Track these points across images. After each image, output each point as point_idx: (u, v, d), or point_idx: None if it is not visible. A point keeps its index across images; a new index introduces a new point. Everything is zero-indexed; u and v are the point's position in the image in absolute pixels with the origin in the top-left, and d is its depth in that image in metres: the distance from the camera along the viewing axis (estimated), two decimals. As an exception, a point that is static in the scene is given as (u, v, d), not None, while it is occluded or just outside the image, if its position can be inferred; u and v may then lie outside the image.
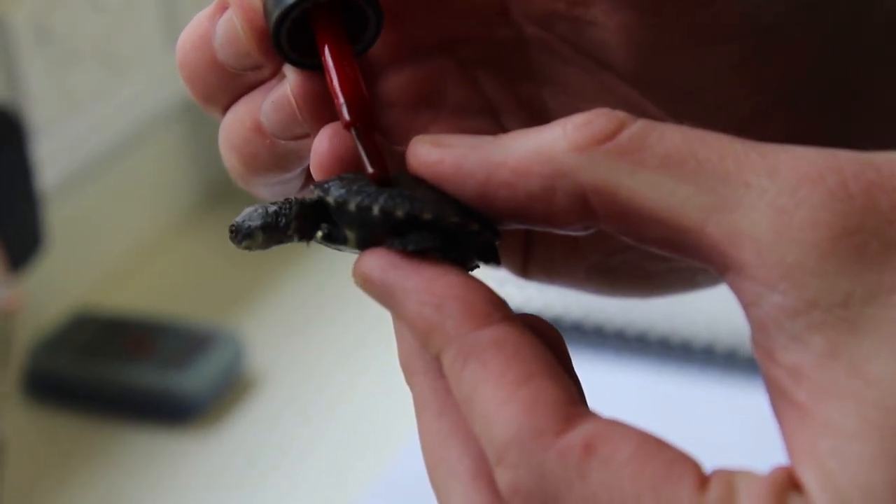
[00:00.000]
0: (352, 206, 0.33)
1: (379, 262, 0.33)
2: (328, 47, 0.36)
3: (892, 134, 0.41)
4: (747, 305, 0.30)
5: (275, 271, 1.13)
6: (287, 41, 0.36)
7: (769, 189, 0.29)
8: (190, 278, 1.17)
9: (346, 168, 0.36)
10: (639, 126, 0.31)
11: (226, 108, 0.39)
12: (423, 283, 0.32)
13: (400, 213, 0.33)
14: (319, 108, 0.37)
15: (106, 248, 1.17)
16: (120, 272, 1.17)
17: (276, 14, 0.35)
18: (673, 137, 0.30)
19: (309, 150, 0.37)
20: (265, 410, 1.00)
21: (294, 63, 0.36)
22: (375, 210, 0.33)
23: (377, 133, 0.36)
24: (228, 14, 0.37)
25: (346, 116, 0.35)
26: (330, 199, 0.34)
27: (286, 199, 0.35)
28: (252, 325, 1.07)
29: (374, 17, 0.36)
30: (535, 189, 0.31)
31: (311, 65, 0.36)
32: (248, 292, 1.13)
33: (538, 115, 0.41)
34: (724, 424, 0.87)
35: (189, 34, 0.38)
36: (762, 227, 0.29)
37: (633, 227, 0.31)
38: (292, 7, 0.35)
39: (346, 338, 1.06)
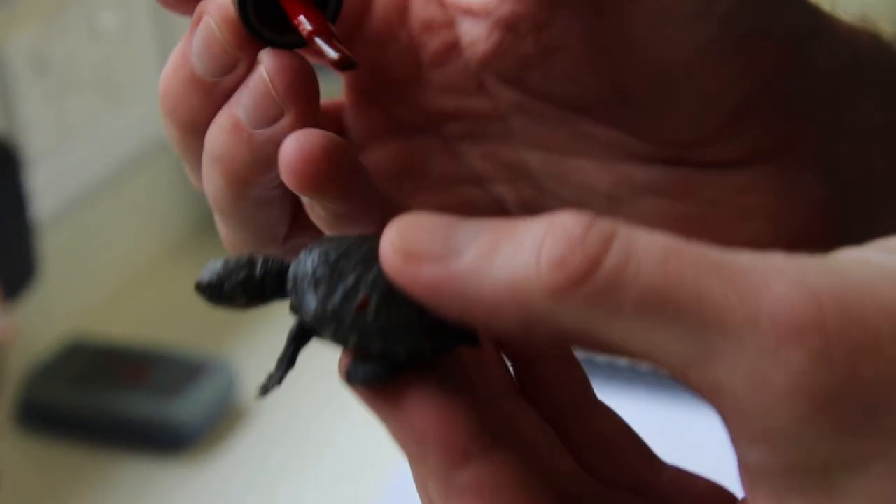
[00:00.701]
0: (326, 335, 0.33)
1: (362, 387, 0.33)
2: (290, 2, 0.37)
3: (876, 137, 0.42)
4: (731, 442, 0.30)
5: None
6: (258, 21, 0.38)
7: (749, 346, 0.28)
8: (183, 307, 1.17)
9: (315, 166, 0.37)
10: (613, 261, 0.29)
11: (204, 132, 0.39)
12: (403, 417, 0.32)
13: (375, 350, 0.33)
14: (294, 83, 0.37)
15: (99, 276, 1.17)
16: (113, 301, 1.17)
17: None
18: (649, 273, 0.29)
19: (285, 137, 0.37)
20: (258, 439, 1.00)
21: (266, 40, 0.38)
22: (350, 343, 0.33)
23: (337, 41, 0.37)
24: (204, 20, 0.38)
25: (307, 27, 0.36)
26: (305, 319, 0.34)
27: (250, 259, 0.36)
28: (245, 353, 1.08)
29: None
30: (512, 325, 0.31)
31: (283, 43, 0.38)
32: (241, 321, 1.13)
33: (522, 178, 0.42)
34: (717, 453, 0.87)
35: (169, 63, 0.39)
36: (742, 387, 0.28)
37: (615, 354, 0.31)
38: None
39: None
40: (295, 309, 0.34)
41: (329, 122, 0.42)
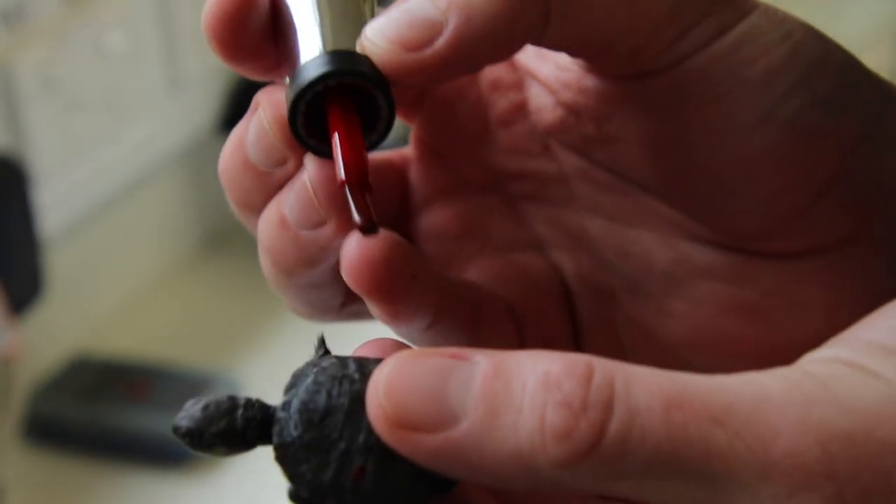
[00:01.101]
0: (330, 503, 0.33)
1: None
2: (335, 122, 0.36)
3: None
4: None
5: (273, 315, 1.13)
6: (305, 128, 0.37)
7: (762, 493, 0.29)
8: (188, 323, 1.18)
9: (375, 268, 0.36)
10: (616, 427, 0.29)
11: (259, 213, 0.39)
12: None
13: None
14: (335, 195, 0.37)
15: (105, 293, 1.17)
16: (119, 317, 1.17)
17: (290, 99, 0.36)
18: (654, 434, 0.29)
19: (329, 242, 0.37)
20: (262, 454, 1.00)
21: (311, 149, 0.37)
22: None
23: (370, 194, 0.36)
24: (258, 112, 0.38)
25: (341, 175, 0.36)
26: (302, 495, 0.33)
27: (231, 404, 0.34)
28: (250, 369, 1.08)
29: (385, 105, 0.36)
30: (519, 487, 0.30)
31: (328, 152, 0.37)
32: (247, 337, 1.14)
33: (582, 247, 0.42)
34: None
35: (228, 141, 0.39)
36: None
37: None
38: (305, 90, 0.36)
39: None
40: (289, 480, 0.33)
41: (394, 175, 0.42)
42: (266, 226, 0.38)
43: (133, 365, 1.07)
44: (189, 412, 0.35)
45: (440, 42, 0.35)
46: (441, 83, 0.39)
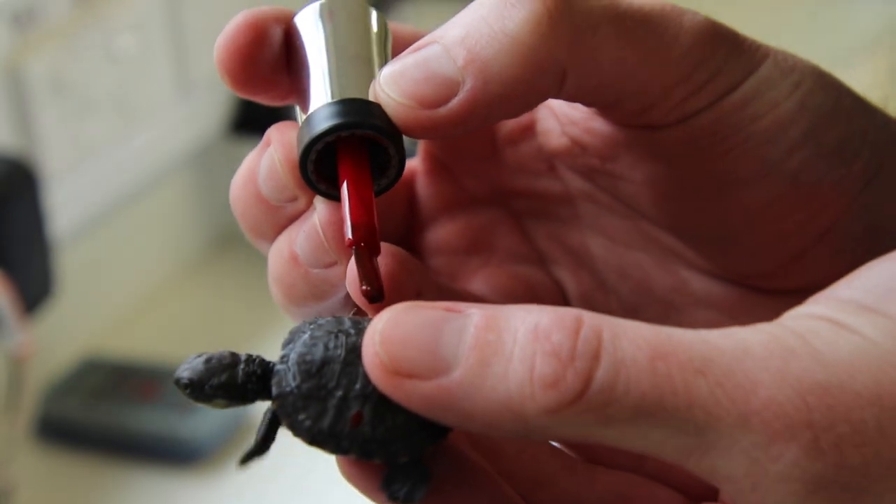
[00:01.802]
0: (325, 450, 0.34)
1: (364, 488, 0.34)
2: (346, 174, 0.36)
3: None
4: None
5: (281, 316, 1.14)
6: (315, 173, 0.37)
7: (742, 441, 0.30)
8: (198, 324, 1.18)
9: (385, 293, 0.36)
10: (603, 376, 0.30)
11: (271, 242, 0.39)
12: None
13: (377, 460, 0.33)
14: (342, 236, 0.37)
15: (115, 294, 1.18)
16: (129, 318, 1.18)
17: (302, 146, 0.36)
18: (638, 384, 0.30)
19: (339, 280, 0.37)
20: (270, 454, 1.01)
21: (322, 194, 0.37)
22: (351, 455, 0.34)
23: (377, 258, 0.36)
24: (270, 149, 0.38)
25: (348, 235, 0.35)
26: (303, 440, 0.34)
27: (232, 359, 0.35)
28: (258, 370, 1.08)
29: (395, 155, 0.36)
30: (509, 433, 0.31)
31: (338, 196, 0.37)
32: (255, 337, 1.14)
33: (584, 266, 0.42)
34: None
35: (239, 172, 0.39)
36: (739, 472, 0.30)
37: (610, 450, 0.33)
38: (316, 139, 0.36)
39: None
40: (289, 429, 0.34)
41: (402, 187, 0.42)
42: (277, 259, 0.39)
43: (143, 365, 1.08)
44: (191, 364, 0.36)
45: (455, 102, 0.35)
46: (453, 137, 0.39)
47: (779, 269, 0.40)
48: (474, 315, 0.31)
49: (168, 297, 1.21)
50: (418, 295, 0.37)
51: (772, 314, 0.40)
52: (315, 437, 0.34)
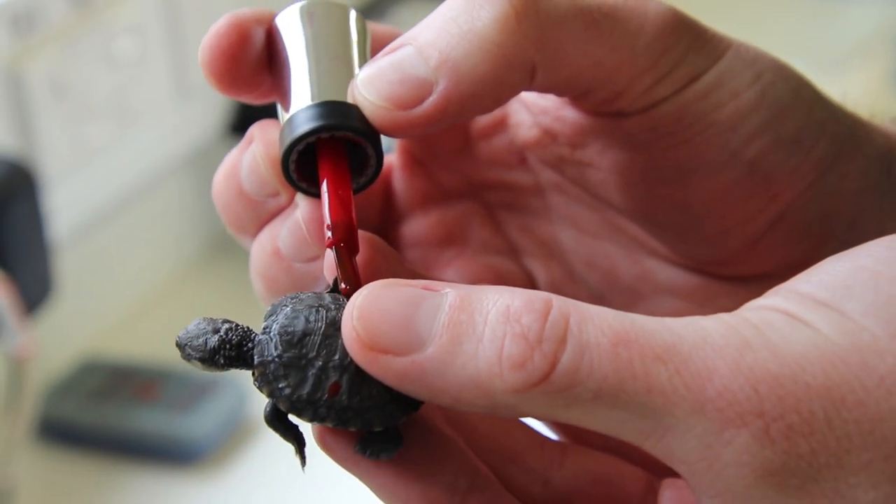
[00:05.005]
0: (303, 418, 0.35)
1: (338, 454, 0.35)
2: (325, 174, 0.37)
3: None
4: (693, 491, 0.32)
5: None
6: (297, 171, 0.38)
7: (696, 427, 0.31)
8: (196, 325, 1.19)
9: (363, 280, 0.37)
10: (568, 359, 0.31)
11: (253, 237, 0.41)
12: (385, 484, 0.35)
13: (352, 428, 0.34)
14: (323, 231, 0.37)
15: (114, 296, 1.18)
16: (129, 319, 1.18)
17: (284, 146, 0.37)
18: (601, 368, 0.31)
19: (321, 273, 0.38)
20: (268, 454, 1.02)
21: (303, 191, 0.38)
22: (327, 423, 0.34)
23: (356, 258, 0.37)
24: (252, 146, 0.39)
25: (328, 235, 0.37)
26: (280, 407, 0.35)
27: (215, 326, 0.37)
28: (256, 371, 1.09)
29: (374, 155, 0.38)
30: (478, 409, 0.33)
31: (318, 194, 0.38)
32: (253, 339, 1.14)
33: (554, 257, 0.43)
34: None
35: (222, 167, 0.40)
36: (693, 455, 0.31)
37: (573, 429, 0.34)
38: (297, 141, 0.37)
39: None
40: (269, 397, 0.35)
41: (379, 182, 0.43)
42: (260, 253, 0.40)
43: (143, 366, 1.09)
44: (188, 326, 0.37)
45: (429, 102, 0.36)
46: (429, 135, 0.41)
47: (737, 255, 0.41)
48: (449, 294, 0.32)
49: (168, 298, 1.21)
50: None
51: (732, 302, 0.42)
52: (294, 405, 0.34)
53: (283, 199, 0.39)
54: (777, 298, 0.33)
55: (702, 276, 0.42)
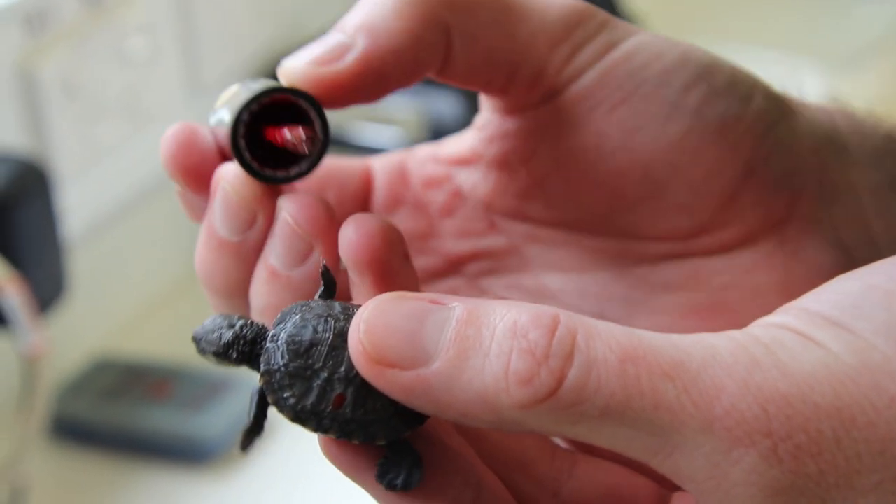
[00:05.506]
0: (307, 428, 0.35)
1: (342, 465, 0.36)
2: (281, 128, 0.39)
3: (866, 198, 0.43)
4: None
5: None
6: (259, 165, 0.40)
7: (704, 445, 0.31)
8: (208, 324, 1.19)
9: (373, 244, 0.38)
10: (575, 375, 0.31)
11: (245, 293, 0.41)
12: (389, 499, 0.35)
13: (356, 441, 0.35)
14: (316, 216, 0.39)
15: (128, 294, 1.19)
16: (141, 318, 1.19)
17: (229, 125, 0.39)
18: (609, 384, 0.31)
19: (316, 273, 0.38)
20: (280, 453, 1.02)
21: (269, 179, 0.40)
22: (331, 435, 0.35)
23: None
24: (219, 188, 0.41)
25: (303, 137, 0.39)
26: (285, 417, 0.35)
27: (230, 323, 0.37)
28: (268, 370, 1.09)
29: (312, 108, 0.39)
30: (483, 424, 0.33)
31: (285, 178, 0.40)
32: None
33: (546, 300, 0.44)
34: None
35: (199, 240, 0.41)
36: (701, 474, 0.31)
37: (580, 444, 0.34)
38: (242, 110, 0.40)
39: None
40: (273, 405, 0.35)
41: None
42: (259, 289, 0.40)
43: (155, 365, 1.09)
44: (204, 322, 0.38)
45: (350, 56, 0.38)
46: (360, 102, 0.41)
47: (714, 218, 0.41)
48: (457, 308, 0.32)
49: (180, 296, 1.22)
50: (406, 258, 0.39)
51: (725, 277, 0.42)
52: (298, 415, 0.35)
53: (261, 223, 0.40)
54: (787, 316, 0.33)
55: (689, 262, 0.43)
